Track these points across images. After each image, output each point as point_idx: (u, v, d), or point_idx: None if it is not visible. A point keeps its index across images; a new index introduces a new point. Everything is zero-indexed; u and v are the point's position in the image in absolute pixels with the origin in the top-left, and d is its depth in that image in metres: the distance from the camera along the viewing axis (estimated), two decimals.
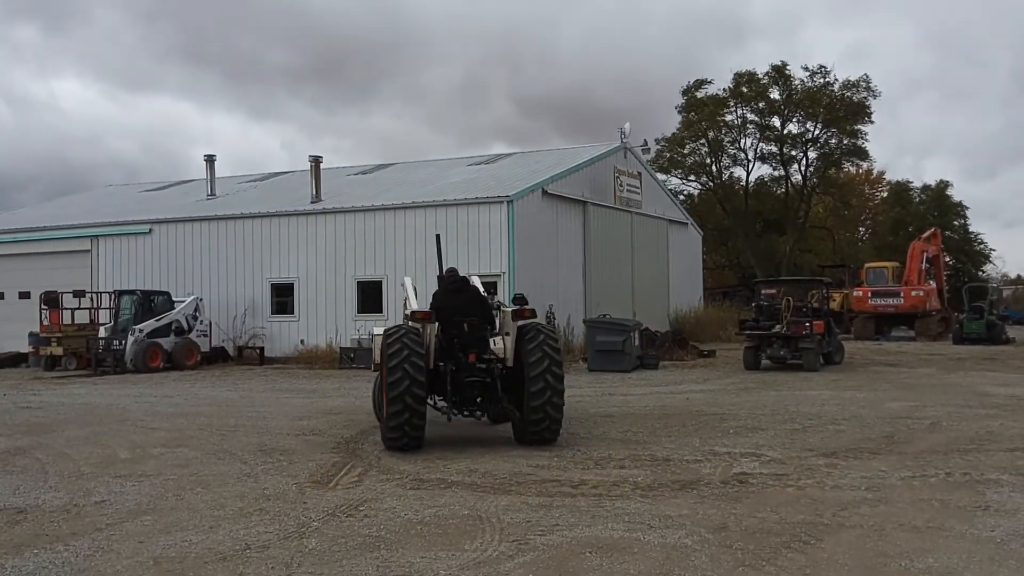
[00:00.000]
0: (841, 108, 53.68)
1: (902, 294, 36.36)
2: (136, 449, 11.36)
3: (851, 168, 61.39)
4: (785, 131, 56.30)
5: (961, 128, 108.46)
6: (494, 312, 11.77)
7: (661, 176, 49.81)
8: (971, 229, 65.43)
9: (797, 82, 54.50)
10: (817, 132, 55.66)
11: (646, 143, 37.48)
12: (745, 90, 54.97)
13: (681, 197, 54.95)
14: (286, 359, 27.21)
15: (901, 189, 66.34)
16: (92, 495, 8.60)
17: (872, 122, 54.90)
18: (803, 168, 57.47)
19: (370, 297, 27.06)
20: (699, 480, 8.75)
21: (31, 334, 28.32)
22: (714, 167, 58.69)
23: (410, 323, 10.99)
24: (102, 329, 26.60)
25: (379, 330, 11.77)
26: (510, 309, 11.25)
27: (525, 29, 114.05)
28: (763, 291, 24.52)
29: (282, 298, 28.55)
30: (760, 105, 55.45)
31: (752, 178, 59.21)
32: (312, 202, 29.13)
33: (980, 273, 63.31)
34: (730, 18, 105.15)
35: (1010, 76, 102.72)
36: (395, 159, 39.75)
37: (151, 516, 7.71)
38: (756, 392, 16.87)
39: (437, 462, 9.88)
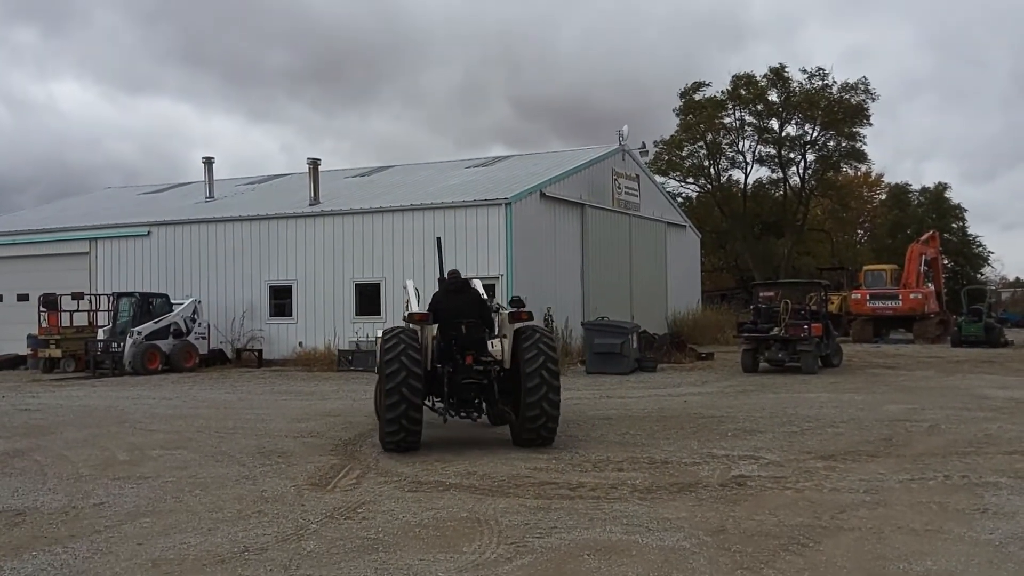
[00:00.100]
0: (839, 110, 53.72)
1: (900, 297, 36.39)
2: (135, 451, 11.36)
3: (849, 171, 61.55)
4: (783, 133, 56.40)
5: (960, 130, 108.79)
6: (493, 315, 11.80)
7: (659, 178, 49.79)
8: (970, 232, 65.70)
9: (795, 84, 54.62)
10: (815, 135, 55.74)
11: (644, 145, 37.48)
12: (743, 92, 55.00)
13: (679, 200, 54.94)
14: (284, 361, 27.20)
15: (900, 191, 66.43)
16: (91, 497, 8.59)
17: (871, 124, 55.05)
18: (801, 171, 57.57)
19: (368, 300, 27.06)
20: (697, 483, 8.75)
21: (30, 336, 28.33)
22: (712, 169, 58.74)
23: (408, 325, 11.04)
24: (101, 331, 26.58)
25: (381, 333, 11.81)
26: (507, 312, 11.29)
27: (524, 31, 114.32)
28: (761, 294, 24.55)
29: (280, 300, 28.55)
30: (758, 107, 55.48)
31: (750, 180, 59.37)
32: (311, 204, 29.14)
33: (979, 276, 63.40)
34: (729, 20, 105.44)
35: (1009, 78, 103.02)
36: (394, 161, 39.75)
37: (149, 518, 7.71)
38: (754, 395, 16.87)
39: (435, 464, 9.88)
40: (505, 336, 11.25)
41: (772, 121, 56.13)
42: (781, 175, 58.70)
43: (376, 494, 8.48)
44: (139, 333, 25.46)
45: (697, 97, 56.22)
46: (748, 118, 56.29)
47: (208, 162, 34.55)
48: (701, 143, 57.14)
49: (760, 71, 55.71)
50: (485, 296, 12.45)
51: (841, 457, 10.02)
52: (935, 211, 63.11)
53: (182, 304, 27.40)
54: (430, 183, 30.59)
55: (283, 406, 16.39)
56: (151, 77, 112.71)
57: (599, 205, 30.66)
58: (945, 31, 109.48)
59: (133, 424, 14.12)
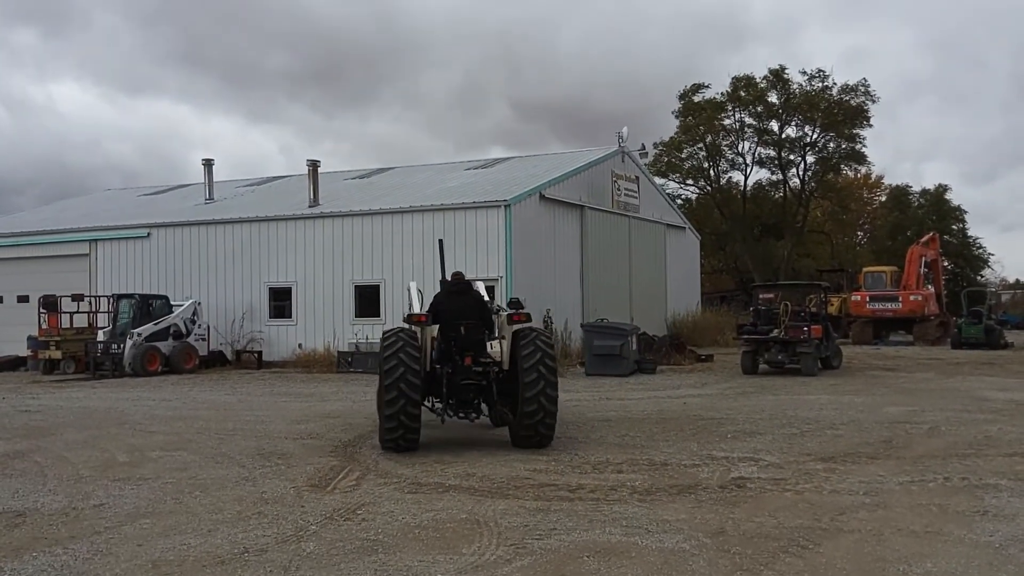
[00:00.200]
0: (839, 112, 53.73)
1: (900, 298, 36.40)
2: (134, 453, 11.36)
3: (849, 172, 61.54)
4: (783, 135, 56.40)
5: (960, 132, 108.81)
6: (493, 316, 11.83)
7: (659, 180, 49.80)
8: (970, 233, 65.74)
9: (795, 86, 54.62)
10: (815, 136, 55.75)
11: (644, 147, 37.50)
12: (743, 94, 55.02)
13: (679, 201, 54.94)
14: (284, 363, 27.21)
15: (900, 193, 66.45)
16: (91, 498, 8.60)
17: (871, 126, 55.06)
18: (801, 172, 57.57)
19: (368, 301, 27.06)
20: (697, 484, 8.75)
21: (30, 338, 28.35)
22: (712, 171, 58.77)
23: (410, 326, 11.09)
24: (100, 333, 26.57)
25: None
26: (507, 313, 11.32)
27: (523, 33, 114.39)
28: (761, 295, 24.57)
29: (280, 302, 28.55)
30: (758, 109, 55.50)
31: (750, 182, 59.38)
32: (310, 206, 29.14)
33: (979, 277, 63.44)
34: (729, 22, 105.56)
35: (1010, 80, 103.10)
36: (393, 163, 39.83)
37: (149, 519, 7.71)
38: (754, 396, 16.87)
39: (435, 466, 9.89)
40: (504, 338, 11.28)
41: (772, 123, 56.19)
42: (781, 177, 58.75)
43: (376, 495, 8.48)
44: (139, 335, 25.46)
45: (696, 99, 56.25)
46: (748, 120, 56.38)
47: (208, 164, 34.58)
48: (701, 145, 57.16)
49: (760, 72, 55.85)
50: (487, 298, 12.49)
51: (841, 459, 10.02)
52: (935, 213, 63.13)
53: (182, 306, 27.39)
54: (429, 185, 30.60)
55: (283, 408, 16.39)
56: (150, 78, 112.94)
57: (599, 207, 30.67)
58: (945, 32, 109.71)
59: (133, 425, 14.12)
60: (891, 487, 8.54)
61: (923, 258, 37.98)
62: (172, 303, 27.48)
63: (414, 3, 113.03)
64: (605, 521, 7.35)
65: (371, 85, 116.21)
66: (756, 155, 57.65)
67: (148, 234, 30.65)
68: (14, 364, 29.37)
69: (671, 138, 57.39)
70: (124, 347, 25.22)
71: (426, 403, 11.21)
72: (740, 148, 57.67)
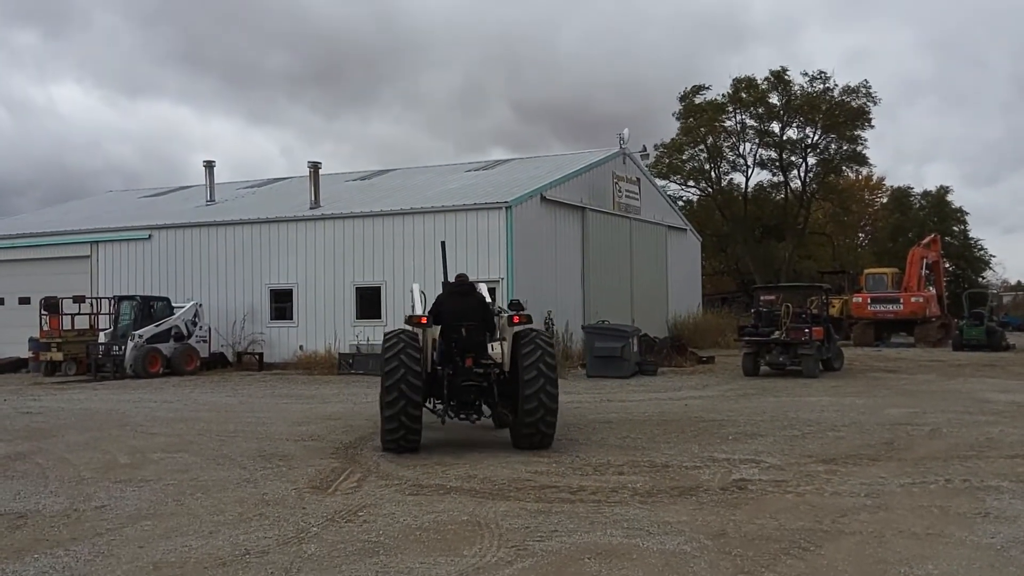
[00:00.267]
0: (841, 114, 53.72)
1: (902, 300, 36.39)
2: (136, 454, 11.37)
3: (851, 174, 61.53)
4: (784, 137, 56.40)
5: (961, 133, 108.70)
6: (495, 318, 11.84)
7: (660, 182, 49.77)
8: (971, 235, 65.61)
9: (796, 87, 54.60)
10: (816, 138, 55.72)
11: (645, 148, 37.53)
12: (744, 96, 55.01)
13: (680, 203, 54.93)
14: (285, 365, 27.21)
15: (901, 195, 66.41)
16: (92, 500, 8.60)
17: (872, 127, 55.05)
18: (802, 174, 57.57)
19: (369, 303, 27.07)
20: (698, 486, 8.75)
21: (31, 339, 28.36)
22: (713, 173, 58.75)
23: (411, 327, 11.11)
24: (102, 335, 26.60)
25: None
26: (507, 315, 11.34)
27: (524, 33, 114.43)
28: (762, 297, 24.56)
29: (281, 304, 28.56)
30: (759, 111, 55.49)
31: (751, 184, 59.36)
32: (311, 208, 29.16)
33: (980, 279, 63.37)
34: (729, 22, 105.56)
35: (1011, 81, 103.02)
36: (394, 165, 39.73)
37: (151, 521, 7.72)
38: (755, 398, 16.87)
39: (436, 468, 9.89)
40: (505, 339, 11.30)
41: (773, 124, 56.18)
42: (782, 178, 58.74)
43: (377, 497, 8.49)
44: (140, 336, 25.48)
45: (697, 100, 56.25)
46: (749, 121, 56.37)
47: (209, 165, 34.63)
48: (702, 146, 57.15)
49: (761, 74, 55.87)
50: (489, 300, 12.50)
51: (842, 461, 10.02)
52: (936, 214, 63.07)
53: (183, 307, 27.40)
54: (430, 187, 30.61)
55: (284, 409, 16.40)
56: (151, 79, 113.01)
57: (600, 208, 30.67)
58: (945, 33, 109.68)
59: (134, 427, 14.13)
60: (892, 489, 8.54)
61: (924, 260, 37.98)
62: (173, 305, 27.49)
63: (414, 3, 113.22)
64: (606, 523, 7.36)
65: (371, 86, 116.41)
66: (757, 157, 57.73)
67: (149, 236, 30.68)
68: (15, 366, 29.40)
69: (672, 140, 57.46)
70: (125, 349, 25.24)
71: (427, 404, 11.23)
72: (741, 150, 57.74)
